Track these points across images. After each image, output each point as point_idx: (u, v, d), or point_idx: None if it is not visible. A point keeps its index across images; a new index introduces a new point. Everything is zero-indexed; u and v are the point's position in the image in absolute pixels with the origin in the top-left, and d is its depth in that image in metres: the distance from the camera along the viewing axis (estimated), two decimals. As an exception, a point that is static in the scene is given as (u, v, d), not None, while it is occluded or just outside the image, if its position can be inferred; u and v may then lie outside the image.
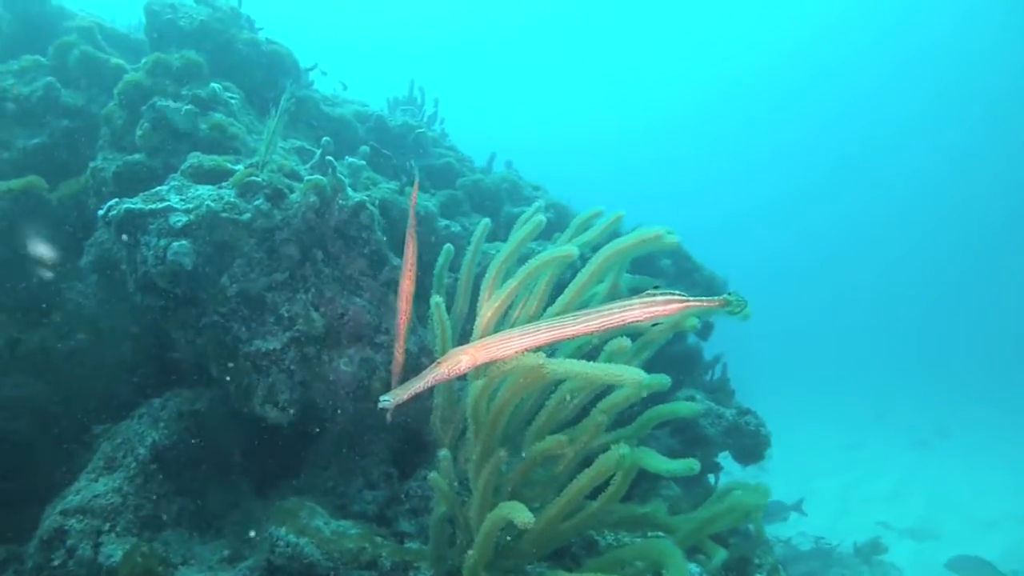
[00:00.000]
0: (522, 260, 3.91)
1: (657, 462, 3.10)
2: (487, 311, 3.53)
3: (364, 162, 5.79)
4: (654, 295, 2.71)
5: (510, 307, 3.84)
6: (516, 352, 2.90)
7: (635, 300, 2.71)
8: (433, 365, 2.92)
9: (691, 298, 2.69)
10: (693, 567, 4.13)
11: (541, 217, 3.82)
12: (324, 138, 5.46)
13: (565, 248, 3.30)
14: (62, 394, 5.71)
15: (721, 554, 3.64)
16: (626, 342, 3.32)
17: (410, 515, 4.92)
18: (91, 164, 5.80)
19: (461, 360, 2.88)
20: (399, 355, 3.31)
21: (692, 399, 8.39)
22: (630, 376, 2.57)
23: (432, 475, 3.75)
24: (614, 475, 3.18)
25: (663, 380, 3.20)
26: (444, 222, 6.30)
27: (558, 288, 3.96)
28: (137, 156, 5.54)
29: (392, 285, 5.26)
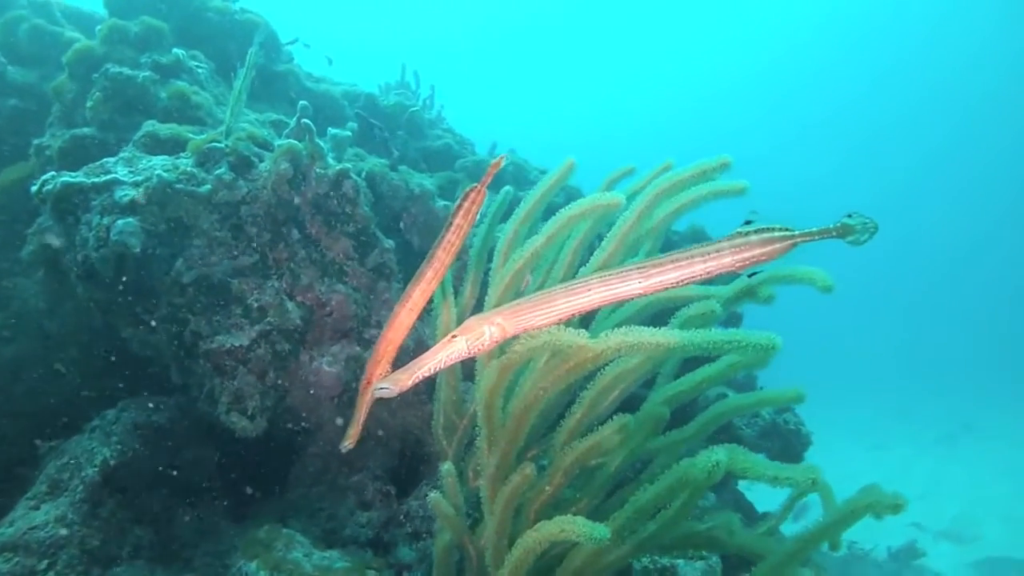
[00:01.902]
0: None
1: (769, 468, 2.29)
2: (501, 281, 2.73)
3: (350, 133, 5.01)
4: (746, 234, 2.03)
5: (530, 279, 3.04)
6: (562, 318, 2.14)
7: (722, 242, 2.04)
8: (445, 339, 2.13)
9: (799, 232, 2.01)
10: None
11: (572, 160, 3.03)
12: (301, 102, 4.68)
13: (609, 195, 2.51)
14: (6, 408, 4.94)
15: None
16: (715, 305, 2.56)
17: (411, 540, 4.35)
18: (35, 142, 5.03)
19: (485, 332, 2.10)
20: (391, 340, 2.45)
21: (724, 396, 7.62)
22: (762, 339, 1.80)
23: (433, 495, 2.97)
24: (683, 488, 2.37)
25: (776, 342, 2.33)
26: (442, 202, 5.52)
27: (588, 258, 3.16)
28: (87, 130, 4.77)
29: (382, 271, 4.47)
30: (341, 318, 4.16)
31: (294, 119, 4.68)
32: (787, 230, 2.03)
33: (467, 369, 3.49)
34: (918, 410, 28.36)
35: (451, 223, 2.38)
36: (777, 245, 2.03)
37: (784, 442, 7.76)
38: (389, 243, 4.48)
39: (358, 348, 4.26)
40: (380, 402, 2.62)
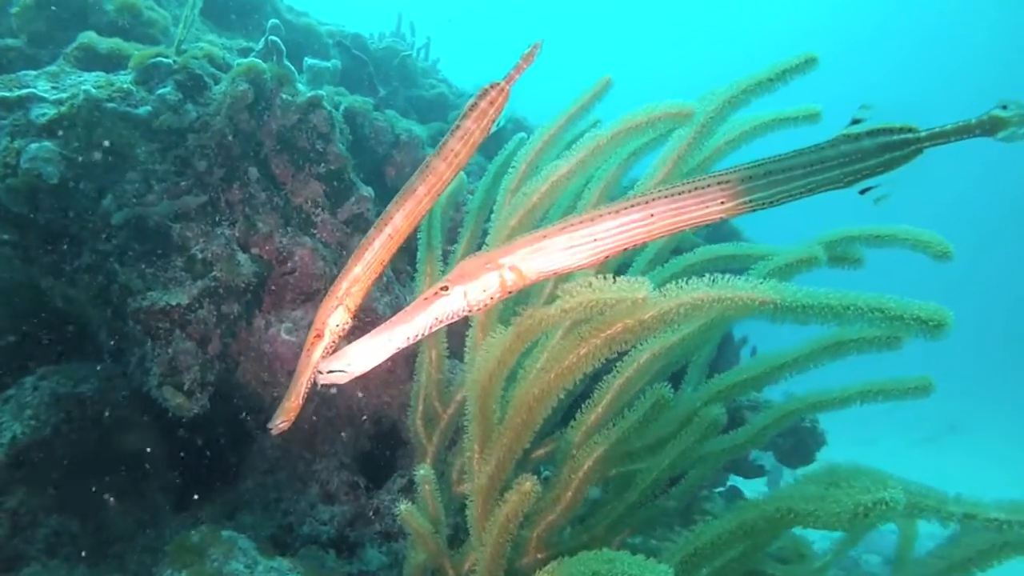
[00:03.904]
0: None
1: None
2: (508, 219, 2.03)
3: (330, 65, 4.25)
4: (856, 137, 1.60)
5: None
6: (607, 255, 1.52)
7: (826, 148, 1.61)
8: (431, 291, 1.51)
9: (926, 132, 1.58)
10: None
11: (608, 77, 2.34)
12: (272, 20, 3.91)
13: (677, 102, 1.83)
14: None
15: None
16: (818, 250, 2.08)
17: (381, 540, 3.88)
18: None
19: (493, 279, 1.49)
20: (357, 279, 1.71)
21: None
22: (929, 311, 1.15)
23: (404, 508, 2.27)
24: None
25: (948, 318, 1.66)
26: (432, 151, 4.75)
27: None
28: (11, 41, 3.98)
29: (358, 223, 3.74)
30: (305, 277, 3.47)
31: (262, 40, 3.92)
32: (911, 130, 1.60)
33: (455, 340, 2.79)
34: (906, 406, 28.00)
35: (458, 126, 1.71)
36: (897, 152, 1.60)
37: (797, 439, 7.15)
38: (368, 191, 3.75)
39: (326, 315, 3.52)
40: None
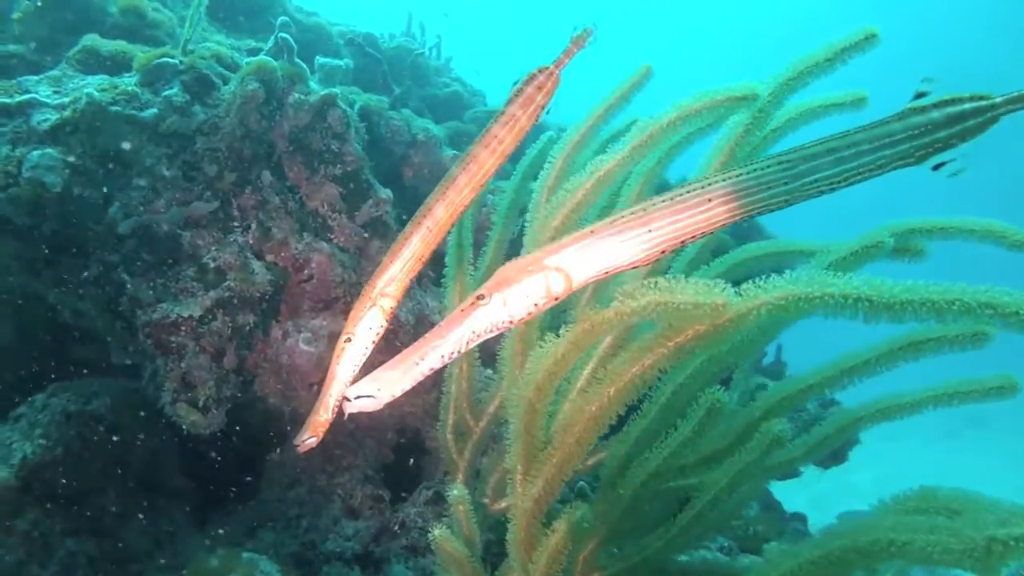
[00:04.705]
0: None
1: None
2: (551, 218, 1.85)
3: (342, 63, 4.09)
4: (923, 109, 1.50)
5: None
6: (662, 251, 1.39)
7: (893, 122, 1.49)
8: (467, 303, 1.36)
9: (1002, 98, 1.48)
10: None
11: (648, 66, 2.17)
12: (282, 18, 3.76)
13: (742, 84, 1.67)
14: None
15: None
16: (885, 236, 1.97)
17: (407, 555, 3.74)
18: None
19: (539, 285, 1.32)
20: (391, 278, 1.54)
21: (764, 387, 6.78)
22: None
23: (438, 533, 2.11)
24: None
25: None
26: (451, 151, 4.63)
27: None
28: (13, 47, 3.84)
29: (376, 227, 3.58)
30: (323, 284, 3.34)
31: (272, 38, 3.76)
32: (983, 97, 1.50)
33: (485, 346, 2.62)
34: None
35: (504, 112, 1.55)
36: (970, 122, 1.49)
37: (828, 439, 6.93)
38: (386, 193, 3.60)
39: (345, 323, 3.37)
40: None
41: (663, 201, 1.41)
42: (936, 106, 1.52)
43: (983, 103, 1.52)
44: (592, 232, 1.40)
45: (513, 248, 2.74)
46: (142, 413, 3.91)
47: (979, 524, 1.14)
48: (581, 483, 3.17)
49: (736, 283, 1.64)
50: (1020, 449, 21.47)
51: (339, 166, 3.46)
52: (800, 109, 2.31)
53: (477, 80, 8.18)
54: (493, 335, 1.34)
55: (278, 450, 4.08)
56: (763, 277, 1.49)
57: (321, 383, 3.53)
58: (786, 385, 2.16)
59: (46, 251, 3.17)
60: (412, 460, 4.19)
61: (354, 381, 1.65)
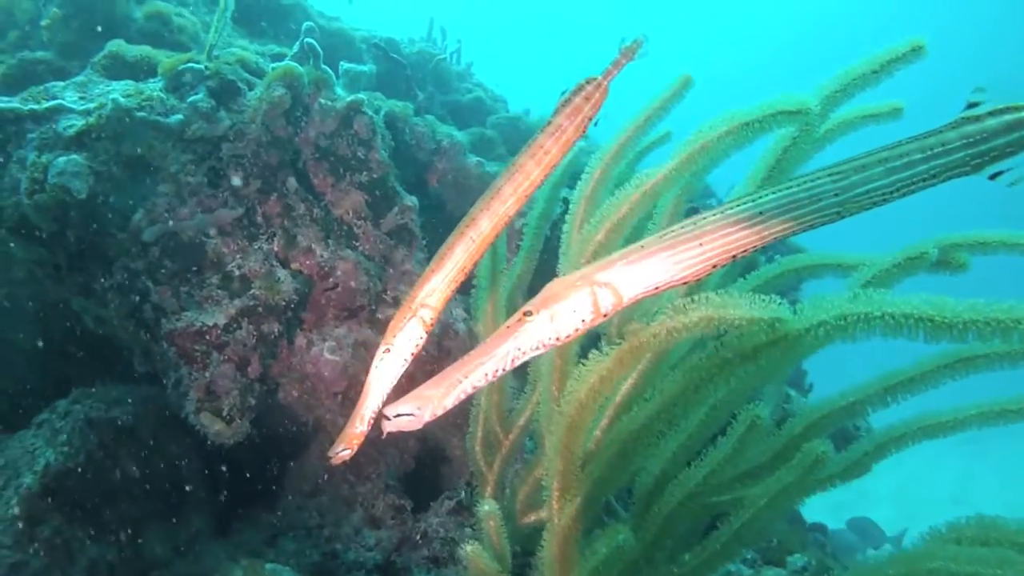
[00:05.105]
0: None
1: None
2: (591, 237, 1.80)
3: (366, 68, 4.06)
4: (978, 119, 1.46)
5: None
6: (704, 268, 1.36)
7: (948, 131, 1.46)
8: (514, 319, 1.33)
9: None
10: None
11: (688, 75, 2.11)
12: (306, 23, 3.73)
13: (794, 96, 1.63)
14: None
15: None
16: (930, 247, 1.94)
17: (429, 565, 3.72)
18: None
19: (588, 301, 1.29)
20: (432, 289, 1.50)
21: (788, 398, 6.72)
22: None
23: (470, 549, 2.06)
24: None
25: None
26: (475, 158, 4.58)
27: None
28: (40, 54, 3.85)
29: (402, 235, 3.54)
30: (348, 292, 3.31)
31: (297, 43, 3.74)
32: None
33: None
34: (945, 406, 27.36)
35: (550, 122, 1.53)
36: None
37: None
38: (412, 200, 3.56)
39: (370, 331, 3.36)
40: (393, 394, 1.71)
41: (713, 215, 1.38)
42: (992, 114, 1.49)
43: None
44: (642, 247, 1.36)
45: (544, 258, 2.70)
46: (164, 420, 3.91)
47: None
48: (608, 499, 3.11)
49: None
50: (1034, 457, 21.10)
51: (365, 173, 3.43)
52: (837, 120, 2.26)
53: (498, 87, 8.16)
54: (540, 352, 1.29)
55: (300, 458, 4.06)
56: (787, 291, 1.44)
57: (345, 392, 3.51)
58: (828, 403, 2.09)
59: (70, 257, 3.15)
60: (432, 469, 4.16)
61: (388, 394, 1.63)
